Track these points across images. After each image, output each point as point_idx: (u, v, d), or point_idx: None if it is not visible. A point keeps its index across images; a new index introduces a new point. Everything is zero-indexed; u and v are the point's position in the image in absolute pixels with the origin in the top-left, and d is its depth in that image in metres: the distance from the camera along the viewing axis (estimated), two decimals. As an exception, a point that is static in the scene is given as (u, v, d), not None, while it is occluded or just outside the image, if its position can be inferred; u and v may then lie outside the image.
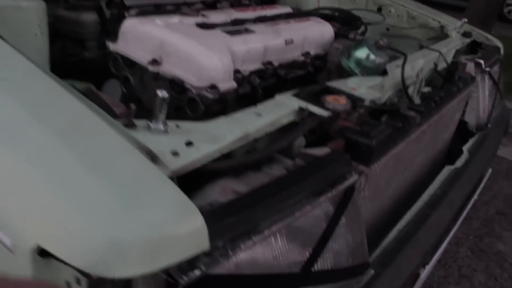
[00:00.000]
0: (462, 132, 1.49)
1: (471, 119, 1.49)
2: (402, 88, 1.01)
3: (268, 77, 1.11)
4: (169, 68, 0.98)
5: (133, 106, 0.63)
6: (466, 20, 1.68)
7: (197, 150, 0.58)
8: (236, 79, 0.99)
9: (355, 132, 0.77)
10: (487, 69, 1.46)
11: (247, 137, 0.67)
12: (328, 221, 0.63)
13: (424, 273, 0.96)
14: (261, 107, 0.76)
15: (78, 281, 0.43)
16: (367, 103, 0.87)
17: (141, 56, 1.02)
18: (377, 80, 0.99)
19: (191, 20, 1.09)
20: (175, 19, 1.09)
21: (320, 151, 0.71)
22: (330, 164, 0.66)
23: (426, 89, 1.07)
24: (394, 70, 1.05)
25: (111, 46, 1.08)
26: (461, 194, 1.14)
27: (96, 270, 0.41)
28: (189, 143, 0.58)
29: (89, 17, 1.20)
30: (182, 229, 0.45)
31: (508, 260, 1.86)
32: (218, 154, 0.62)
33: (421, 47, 1.63)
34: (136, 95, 1.07)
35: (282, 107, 0.76)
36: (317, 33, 1.27)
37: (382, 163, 0.84)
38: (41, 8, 1.05)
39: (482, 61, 1.44)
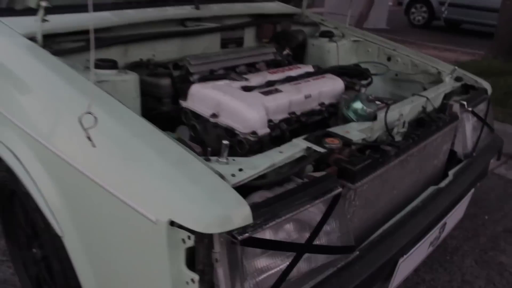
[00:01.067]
0: (452, 159, 1.85)
1: (459, 149, 1.85)
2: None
3: (293, 123, 1.55)
4: (223, 120, 1.44)
5: (209, 149, 1.09)
6: (456, 67, 2.06)
7: (245, 173, 1.02)
8: (269, 126, 1.45)
9: (344, 162, 1.19)
10: (470, 108, 1.83)
11: (274, 166, 1.11)
12: (322, 215, 1.05)
13: (405, 262, 1.34)
14: (283, 147, 1.20)
15: (189, 237, 0.88)
16: (357, 141, 1.30)
17: (204, 111, 1.50)
18: (367, 124, 1.40)
19: (237, 84, 1.57)
20: (226, 83, 1.57)
21: (319, 174, 1.13)
22: (324, 181, 1.09)
23: (404, 130, 1.46)
24: (382, 115, 1.46)
25: (183, 103, 1.57)
26: (438, 206, 1.51)
27: (200, 229, 0.86)
28: (240, 169, 1.03)
29: (165, 81, 1.70)
30: (240, 212, 0.89)
31: (508, 269, 2.16)
32: (257, 175, 1.06)
33: (424, 89, 2.03)
34: (200, 137, 1.53)
35: (296, 147, 1.19)
36: (330, 87, 1.70)
37: (366, 182, 1.25)
38: (136, 79, 1.56)
39: (465, 102, 1.82)
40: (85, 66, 1.48)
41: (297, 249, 1.00)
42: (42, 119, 1.26)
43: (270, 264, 1.00)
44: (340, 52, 2.35)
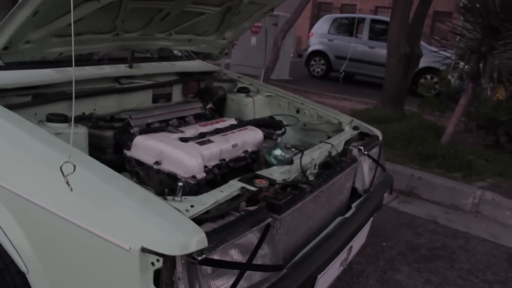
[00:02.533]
0: (354, 194, 2.25)
1: (359, 186, 2.25)
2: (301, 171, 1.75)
3: (223, 168, 1.83)
4: (166, 166, 1.67)
5: (167, 190, 1.32)
6: (353, 119, 2.51)
7: (196, 208, 1.26)
8: (204, 171, 1.70)
9: (270, 198, 1.49)
10: (366, 152, 2.26)
11: (217, 202, 1.36)
12: (258, 240, 1.32)
13: (322, 277, 1.64)
14: (223, 187, 1.46)
15: (158, 260, 1.09)
16: (279, 181, 1.60)
17: (147, 159, 1.72)
18: (286, 167, 1.72)
19: (175, 136, 1.82)
20: (165, 135, 1.81)
21: (252, 208, 1.41)
22: (258, 213, 1.37)
23: (315, 171, 1.80)
24: (297, 160, 1.79)
25: (128, 152, 1.77)
26: (345, 233, 1.86)
27: (169, 253, 1.08)
28: (192, 206, 1.26)
29: (108, 133, 1.90)
30: (198, 238, 1.13)
31: (402, 284, 2.57)
32: (205, 210, 1.30)
33: (328, 137, 2.43)
34: (143, 182, 1.73)
35: (233, 187, 1.46)
36: (252, 137, 2.02)
37: (289, 214, 1.55)
38: (86, 131, 1.74)
39: (362, 147, 2.24)
40: (39, 120, 1.64)
41: (241, 267, 1.26)
42: (8, 169, 1.39)
43: (219, 282, 1.23)
44: (256, 106, 2.71)
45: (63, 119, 1.68)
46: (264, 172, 1.64)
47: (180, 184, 1.29)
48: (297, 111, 2.68)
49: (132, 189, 1.26)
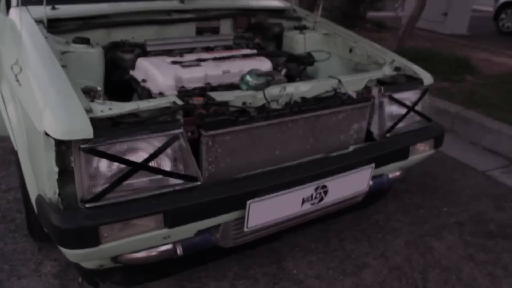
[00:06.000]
0: (369, 139, 2.07)
1: (374, 130, 2.06)
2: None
3: (207, 90, 1.92)
4: (147, 84, 1.88)
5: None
6: (396, 58, 2.25)
7: (111, 111, 1.42)
8: (180, 90, 1.84)
9: (201, 114, 1.57)
10: (387, 93, 2.03)
11: (138, 109, 1.47)
12: (159, 147, 1.44)
13: (258, 206, 1.62)
14: (157, 99, 1.59)
15: (57, 145, 1.34)
16: (222, 101, 1.63)
17: (140, 77, 1.95)
18: (250, 92, 1.73)
19: (169, 59, 1.99)
20: (162, 59, 2.00)
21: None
22: (167, 123, 1.49)
23: (284, 101, 1.75)
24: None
25: (131, 72, 2.04)
26: (313, 168, 1.78)
27: (56, 137, 1.32)
28: (110, 109, 1.43)
29: (128, 56, 2.17)
30: (80, 128, 1.32)
31: (433, 252, 2.27)
32: (121, 114, 1.47)
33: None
34: (140, 98, 1.97)
35: (166, 100, 1.54)
36: (254, 67, 2.04)
37: (227, 134, 1.59)
38: (100, 52, 2.06)
39: (382, 88, 2.03)
40: (66, 41, 2.03)
41: (131, 164, 1.41)
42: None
43: (107, 173, 1.42)
44: (310, 43, 2.64)
45: (84, 41, 2.02)
46: (216, 93, 1.69)
47: (99, 88, 1.49)
48: (350, 50, 2.52)
49: (61, 85, 1.50)
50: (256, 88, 1.77)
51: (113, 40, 2.31)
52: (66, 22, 2.21)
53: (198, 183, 1.55)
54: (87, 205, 1.38)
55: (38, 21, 2.04)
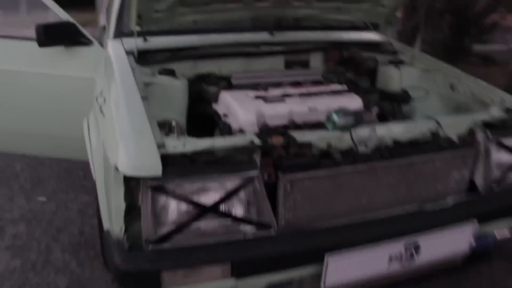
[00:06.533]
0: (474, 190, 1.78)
1: (479, 180, 1.76)
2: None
3: (292, 129, 1.78)
4: (228, 119, 1.81)
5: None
6: (504, 98, 1.94)
7: (185, 147, 1.35)
8: (261, 128, 1.74)
9: (280, 155, 1.44)
10: (495, 138, 1.74)
11: (213, 148, 1.39)
12: (233, 189, 1.33)
13: (337, 260, 1.44)
14: (237, 138, 1.49)
15: (127, 180, 1.30)
16: (304, 142, 1.48)
17: (222, 111, 1.89)
18: (336, 134, 1.57)
19: (253, 94, 1.91)
20: (245, 93, 1.92)
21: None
22: (243, 164, 1.38)
23: (373, 144, 1.55)
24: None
25: (214, 105, 1.99)
26: (405, 223, 1.56)
27: (126, 172, 1.27)
28: (184, 145, 1.36)
29: (212, 89, 2.13)
30: (150, 165, 1.26)
31: None
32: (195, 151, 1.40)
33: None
34: (222, 134, 1.89)
35: (244, 139, 1.43)
36: (343, 104, 1.87)
37: (307, 179, 1.44)
38: (184, 84, 2.05)
39: (489, 132, 1.74)
40: (152, 72, 2.05)
41: (199, 207, 1.32)
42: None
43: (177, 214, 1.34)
44: (406, 79, 2.41)
45: (169, 72, 2.03)
46: (298, 134, 1.55)
47: (173, 122, 1.43)
48: (451, 88, 2.25)
49: (137, 118, 1.47)
50: (343, 128, 1.60)
51: (199, 72, 2.31)
52: (156, 54, 2.25)
53: (272, 232, 1.41)
54: (150, 247, 1.30)
55: (129, 53, 2.10)
